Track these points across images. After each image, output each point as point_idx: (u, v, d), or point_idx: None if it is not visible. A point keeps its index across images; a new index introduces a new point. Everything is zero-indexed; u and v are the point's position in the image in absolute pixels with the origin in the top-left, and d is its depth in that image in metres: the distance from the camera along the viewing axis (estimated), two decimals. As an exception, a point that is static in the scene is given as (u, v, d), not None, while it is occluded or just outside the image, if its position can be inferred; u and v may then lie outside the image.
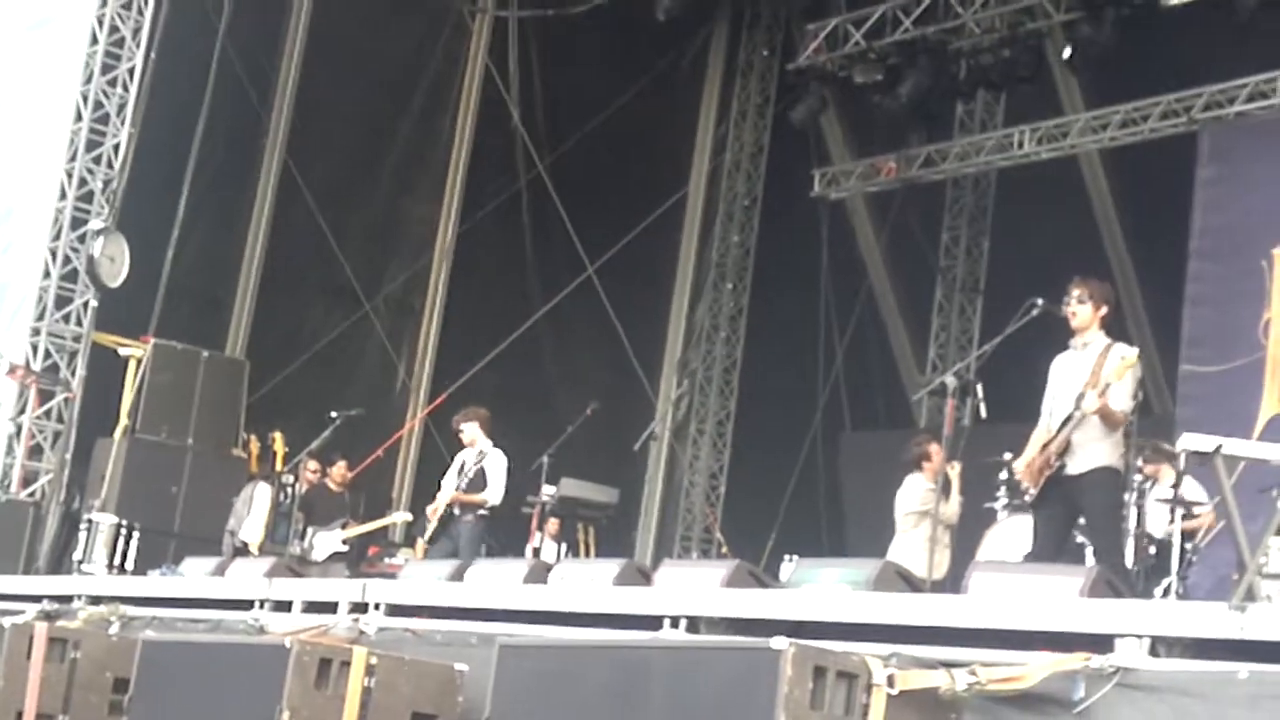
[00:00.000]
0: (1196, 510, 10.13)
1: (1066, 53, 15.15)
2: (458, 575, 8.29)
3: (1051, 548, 8.23)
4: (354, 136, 16.21)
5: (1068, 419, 8.14)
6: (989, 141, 16.70)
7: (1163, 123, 14.89)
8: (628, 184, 16.83)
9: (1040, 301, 8.63)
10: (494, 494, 11.63)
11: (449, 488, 11.75)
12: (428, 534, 11.72)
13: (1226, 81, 14.36)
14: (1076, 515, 8.40)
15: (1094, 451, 8.11)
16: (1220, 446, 7.24)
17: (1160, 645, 5.32)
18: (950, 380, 8.83)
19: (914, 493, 11.09)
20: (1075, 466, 8.11)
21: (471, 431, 11.84)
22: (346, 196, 16.10)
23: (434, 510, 11.73)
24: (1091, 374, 8.17)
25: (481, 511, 11.64)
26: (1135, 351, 8.21)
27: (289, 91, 15.86)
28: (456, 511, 11.62)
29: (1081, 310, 8.31)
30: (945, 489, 10.87)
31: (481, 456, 11.71)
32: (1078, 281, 8.45)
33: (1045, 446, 8.22)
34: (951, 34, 15.90)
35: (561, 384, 15.15)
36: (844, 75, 16.49)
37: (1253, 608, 5.28)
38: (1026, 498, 8.41)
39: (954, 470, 10.74)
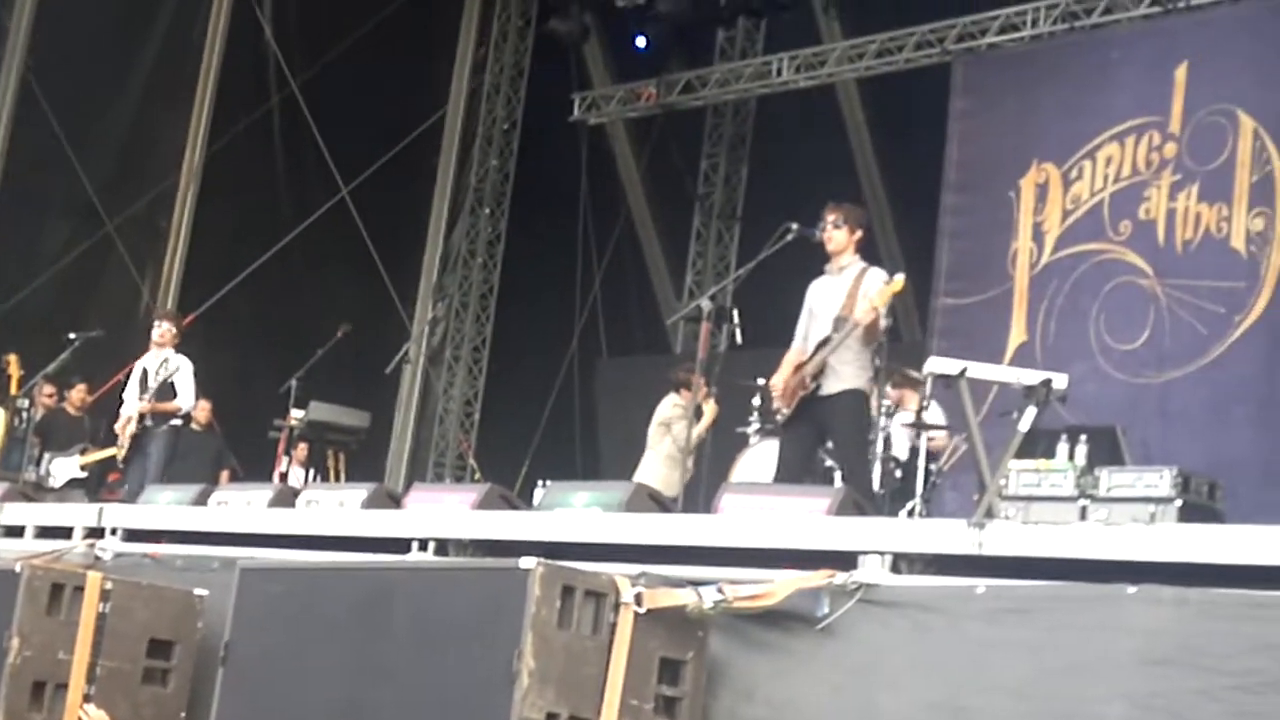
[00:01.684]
0: (936, 434, 10.34)
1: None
2: (200, 499, 8.05)
3: (797, 468, 8.31)
4: (99, 49, 15.55)
5: (825, 340, 8.22)
6: (748, 69, 16.75)
7: (917, 53, 15.09)
8: (384, 105, 16.49)
9: (795, 227, 8.67)
10: (186, 399, 11.27)
11: (133, 399, 11.32)
12: (121, 454, 11.27)
13: (979, 13, 14.60)
14: (824, 437, 8.50)
15: (845, 374, 8.21)
16: (965, 370, 7.39)
17: (902, 562, 5.41)
18: (705, 304, 8.80)
19: (664, 407, 11.33)
20: (827, 388, 8.20)
21: (168, 335, 11.43)
22: (90, 111, 15.47)
23: (123, 426, 11.22)
24: (848, 296, 8.27)
25: (175, 421, 11.28)
26: (901, 277, 8.33)
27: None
28: (149, 423, 11.20)
29: (837, 235, 8.41)
30: (696, 414, 11.01)
31: (166, 363, 11.29)
32: (832, 207, 8.55)
33: (799, 368, 8.29)
34: (713, -40, 15.90)
35: (313, 308, 14.77)
36: (604, -3, 16.40)
37: (990, 525, 5.38)
38: (778, 418, 8.46)
39: (708, 406, 10.89)
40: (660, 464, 11.20)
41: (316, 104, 16.21)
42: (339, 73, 16.17)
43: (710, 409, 11.13)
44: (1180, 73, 12.87)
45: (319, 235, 16.17)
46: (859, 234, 8.52)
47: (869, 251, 8.76)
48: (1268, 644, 4.49)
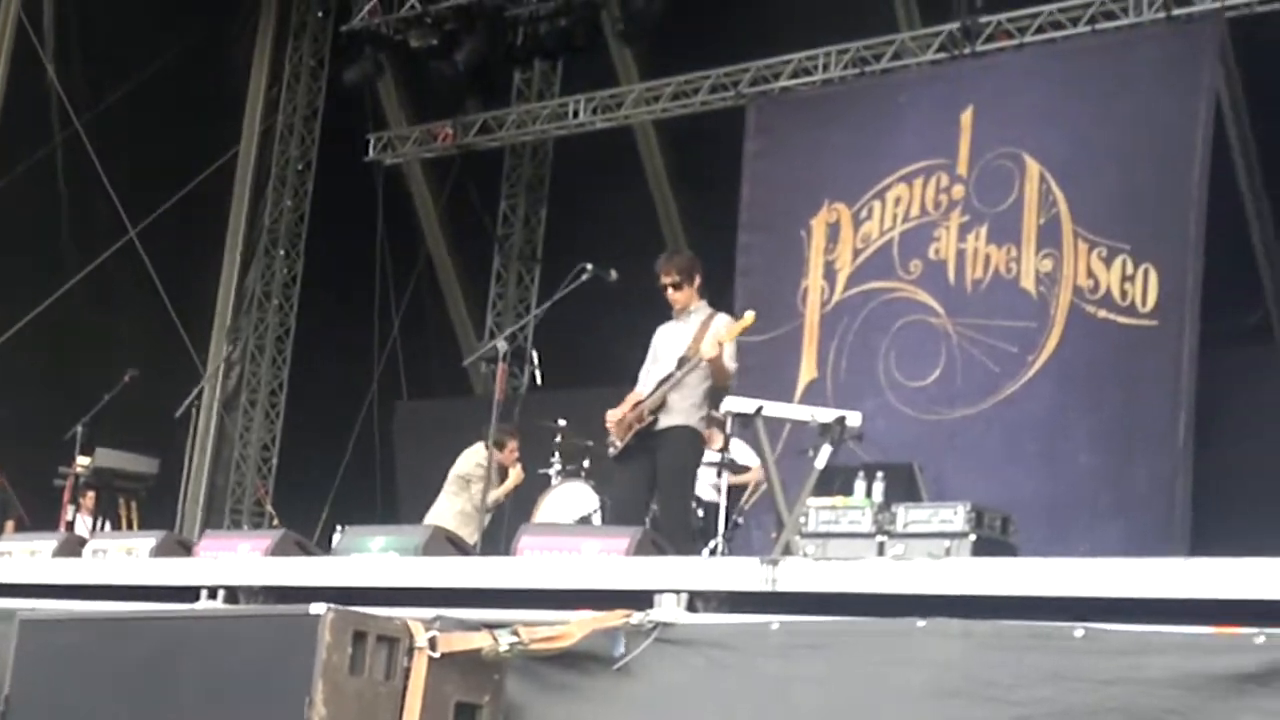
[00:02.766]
0: (737, 474, 10.41)
1: (619, 26, 15.35)
2: (-17, 547, 7.78)
3: (636, 504, 8.35)
4: None
5: (667, 377, 8.29)
6: (545, 110, 16.79)
7: (712, 95, 15.25)
8: (175, 146, 16.10)
9: (589, 267, 8.74)
10: None
11: None
12: None
13: (772, 58, 14.82)
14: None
15: (680, 411, 8.29)
16: (760, 408, 7.49)
17: (698, 600, 5.43)
18: (502, 345, 8.78)
19: (467, 460, 11.17)
20: (662, 423, 8.25)
21: None
22: None
23: None
24: (694, 339, 8.37)
25: None
26: (750, 314, 8.47)
27: None
28: None
29: (679, 296, 8.54)
30: (501, 476, 11.00)
31: None
32: (664, 265, 8.64)
33: (637, 404, 8.34)
34: (509, 1, 15.89)
35: (102, 353, 14.37)
36: (400, 39, 16.29)
37: (784, 562, 5.42)
38: (610, 450, 8.46)
39: (515, 470, 10.89)
40: (452, 517, 10.98)
41: (103, 144, 15.80)
42: (127, 113, 15.80)
43: (516, 474, 11.12)
44: (966, 116, 13.18)
45: (108, 278, 15.76)
46: (698, 281, 8.67)
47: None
48: (1053, 673, 4.59)
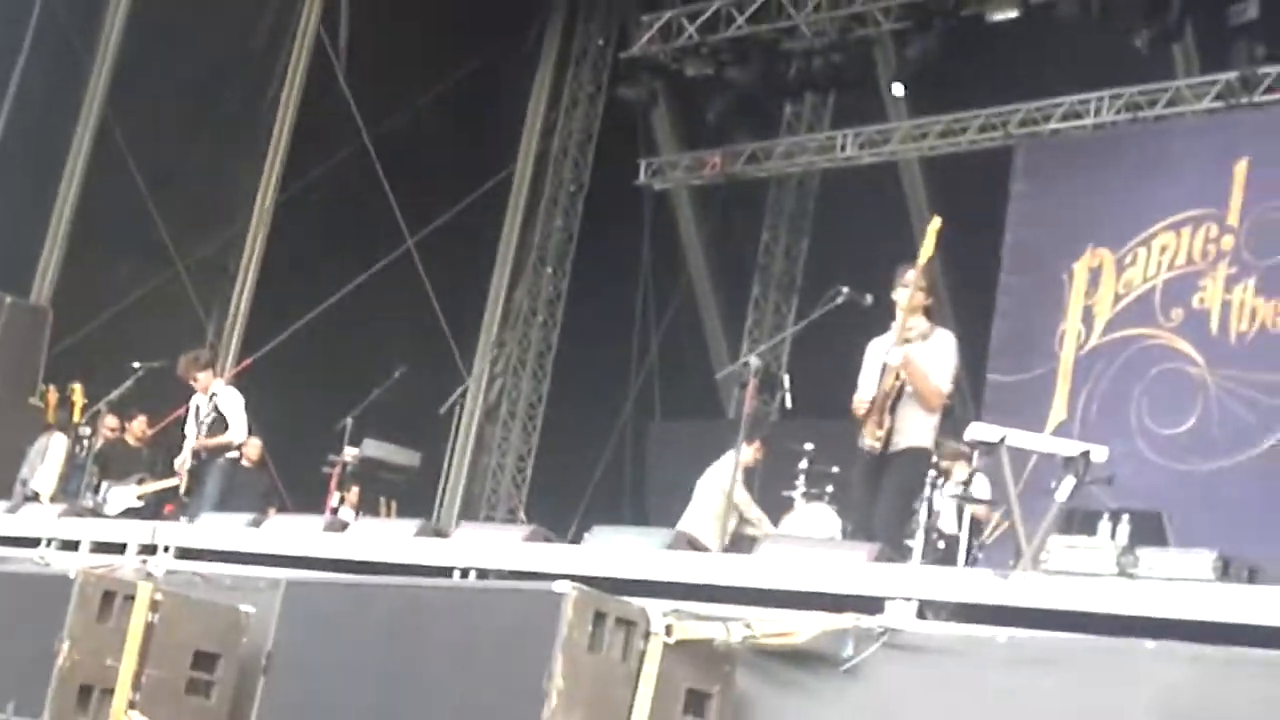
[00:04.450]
0: (979, 507, 10.39)
1: (898, 89, 15.41)
2: (254, 523, 8.23)
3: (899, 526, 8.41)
4: (179, 96, 15.91)
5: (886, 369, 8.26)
6: (813, 143, 16.98)
7: (980, 135, 15.28)
8: (453, 161, 16.77)
9: (845, 290, 8.81)
10: (237, 432, 11.50)
11: (190, 437, 11.57)
12: (182, 488, 11.46)
13: (1043, 99, 14.76)
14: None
15: (911, 434, 8.25)
16: (1004, 438, 7.50)
17: (928, 609, 5.51)
18: (754, 361, 8.92)
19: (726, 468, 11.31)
20: (897, 444, 8.25)
21: (204, 378, 11.64)
22: (167, 154, 15.80)
23: (181, 464, 11.46)
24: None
25: (231, 454, 11.52)
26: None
27: (112, 42, 15.53)
28: (204, 458, 11.43)
29: (921, 295, 8.46)
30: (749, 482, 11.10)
31: (214, 398, 11.53)
32: (918, 269, 8.62)
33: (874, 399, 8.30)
34: (783, 34, 16.13)
35: (373, 354, 14.98)
36: (676, 68, 16.67)
37: (1015, 575, 5.48)
38: (869, 447, 8.36)
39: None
40: (701, 525, 11.16)
41: (387, 156, 16.53)
42: (411, 128, 16.49)
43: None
44: (1240, 167, 13.00)
45: (382, 283, 16.45)
46: (932, 300, 8.61)
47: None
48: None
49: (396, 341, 16.08)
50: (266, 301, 16.35)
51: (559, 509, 16.70)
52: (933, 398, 8.24)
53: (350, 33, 16.90)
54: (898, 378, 8.18)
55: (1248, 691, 4.67)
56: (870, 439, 8.25)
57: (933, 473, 10.17)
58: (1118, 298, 13.25)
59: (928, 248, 8.29)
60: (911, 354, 8.15)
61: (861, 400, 8.30)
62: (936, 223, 8.36)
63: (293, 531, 7.93)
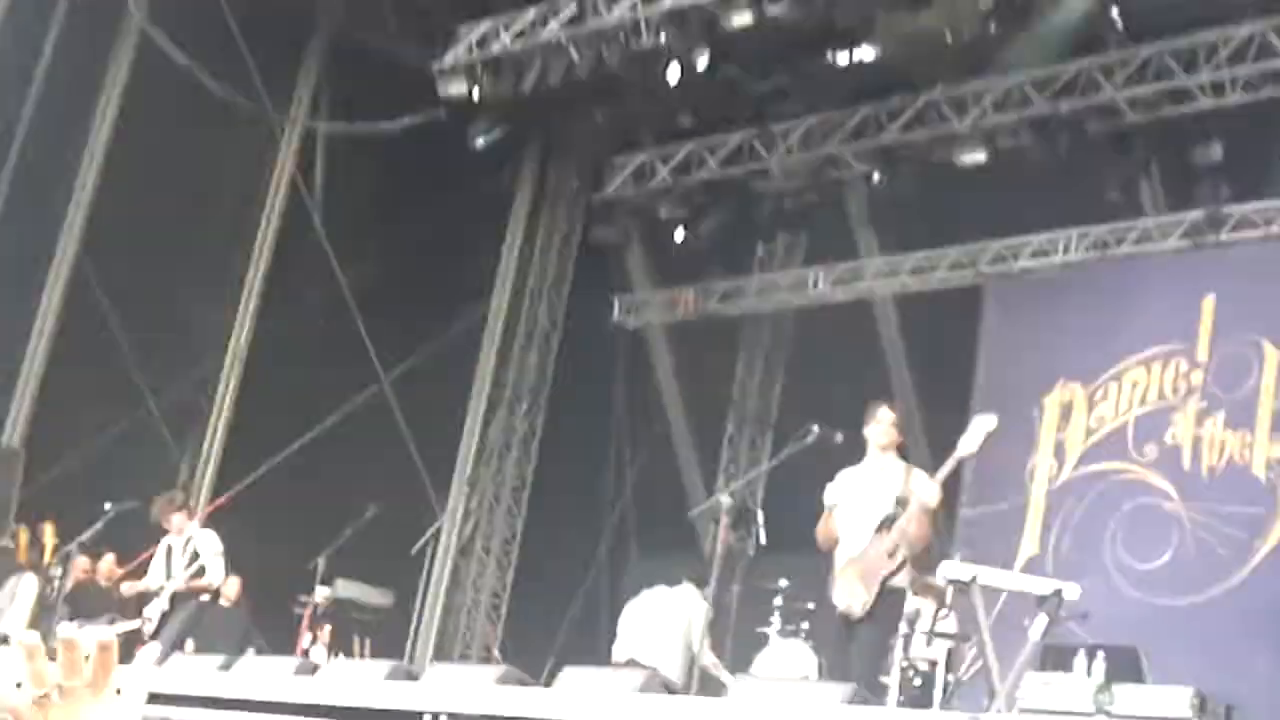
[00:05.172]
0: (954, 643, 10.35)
1: (866, 214, 15.59)
2: (225, 665, 8.17)
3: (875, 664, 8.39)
4: (154, 238, 15.98)
5: (889, 518, 8.31)
6: (786, 280, 17.11)
7: (951, 272, 15.42)
8: (427, 301, 16.84)
9: (816, 428, 8.86)
10: (215, 574, 11.45)
11: (158, 575, 11.47)
12: (147, 631, 11.35)
13: (1013, 237, 14.93)
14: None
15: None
16: (976, 576, 7.52)
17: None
18: (725, 499, 8.96)
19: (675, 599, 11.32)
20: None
21: (179, 520, 11.61)
22: (142, 295, 15.83)
23: (151, 608, 11.37)
24: (904, 483, 8.40)
25: (204, 597, 11.45)
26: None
27: (88, 184, 15.65)
28: (178, 601, 11.36)
29: (895, 433, 8.59)
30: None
31: (190, 541, 11.48)
32: (889, 406, 8.74)
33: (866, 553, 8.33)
34: (756, 175, 16.31)
35: (345, 492, 14.93)
36: (649, 209, 16.82)
37: (989, 716, 5.47)
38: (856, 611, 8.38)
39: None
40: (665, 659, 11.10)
41: (361, 296, 16.59)
42: (385, 267, 16.56)
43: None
44: (1208, 303, 13.17)
45: (356, 422, 16.43)
46: (901, 439, 8.74)
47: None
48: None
49: (370, 480, 16.01)
50: (240, 441, 16.32)
51: (535, 646, 16.59)
52: (925, 543, 8.37)
53: (325, 176, 17.05)
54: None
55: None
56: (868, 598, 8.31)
57: (908, 609, 10.20)
58: (1090, 432, 13.34)
59: (973, 442, 8.37)
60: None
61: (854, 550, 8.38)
62: (993, 423, 8.34)
63: (263, 675, 7.87)
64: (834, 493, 8.73)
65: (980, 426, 8.27)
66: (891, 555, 8.30)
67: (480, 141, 15.89)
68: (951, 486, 14.05)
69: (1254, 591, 11.92)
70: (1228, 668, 11.32)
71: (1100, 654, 7.79)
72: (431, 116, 15.61)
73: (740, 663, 11.30)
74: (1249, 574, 12.01)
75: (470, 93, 14.89)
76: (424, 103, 15.61)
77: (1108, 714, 5.90)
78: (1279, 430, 12.29)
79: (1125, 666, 8.21)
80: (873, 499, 8.52)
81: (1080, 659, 7.83)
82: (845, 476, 8.75)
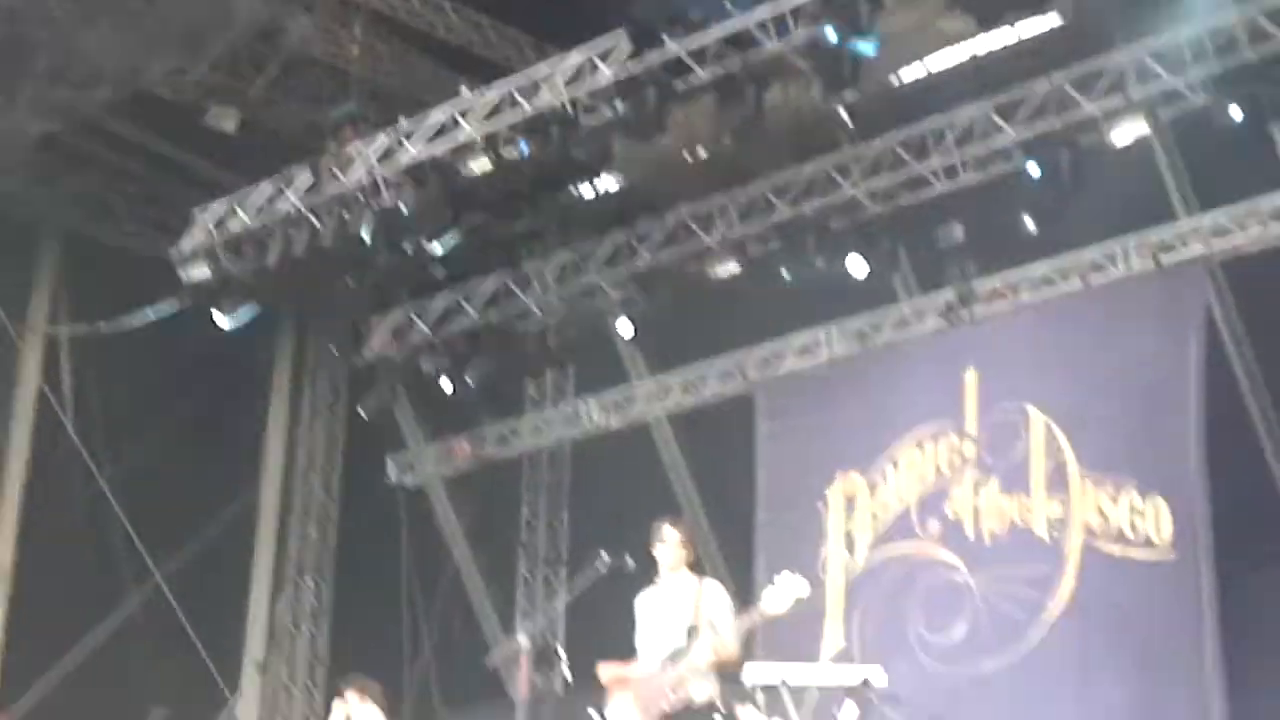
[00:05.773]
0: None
1: (628, 332, 15.56)
2: None
3: None
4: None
5: (678, 651, 8.19)
6: (558, 415, 17.03)
7: (721, 384, 15.51)
8: (195, 489, 16.39)
9: (605, 557, 8.75)
10: None
11: None
12: None
13: (775, 339, 15.10)
14: None
15: (700, 687, 8.17)
16: (784, 679, 7.46)
17: None
18: (522, 641, 8.77)
19: None
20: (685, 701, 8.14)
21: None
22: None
23: None
24: (695, 609, 8.27)
25: None
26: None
27: None
28: None
29: (683, 552, 8.48)
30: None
31: None
32: (673, 525, 8.64)
33: (651, 679, 8.20)
34: (515, 318, 16.25)
35: (134, 693, 14.42)
36: (413, 364, 16.63)
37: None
38: None
39: None
40: None
41: (125, 495, 16.09)
42: (146, 463, 16.14)
43: None
44: (970, 377, 13.48)
45: (137, 624, 15.89)
46: (690, 553, 8.64)
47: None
48: None
49: (159, 681, 15.47)
50: (15, 664, 15.60)
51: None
52: (737, 667, 8.30)
53: (75, 381, 16.59)
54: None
55: None
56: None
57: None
58: (875, 518, 13.50)
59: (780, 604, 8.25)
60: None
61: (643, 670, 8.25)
62: (805, 590, 8.31)
63: None
64: (638, 619, 8.64)
65: (790, 590, 8.19)
66: (675, 690, 8.18)
67: (230, 322, 15.59)
68: (747, 593, 14.12)
69: (1051, 648, 12.14)
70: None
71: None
72: (179, 304, 15.31)
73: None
74: (1047, 631, 12.22)
75: (214, 275, 14.60)
76: (167, 291, 15.30)
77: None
78: (1054, 490, 12.55)
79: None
80: (664, 625, 8.41)
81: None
82: (641, 599, 8.66)
